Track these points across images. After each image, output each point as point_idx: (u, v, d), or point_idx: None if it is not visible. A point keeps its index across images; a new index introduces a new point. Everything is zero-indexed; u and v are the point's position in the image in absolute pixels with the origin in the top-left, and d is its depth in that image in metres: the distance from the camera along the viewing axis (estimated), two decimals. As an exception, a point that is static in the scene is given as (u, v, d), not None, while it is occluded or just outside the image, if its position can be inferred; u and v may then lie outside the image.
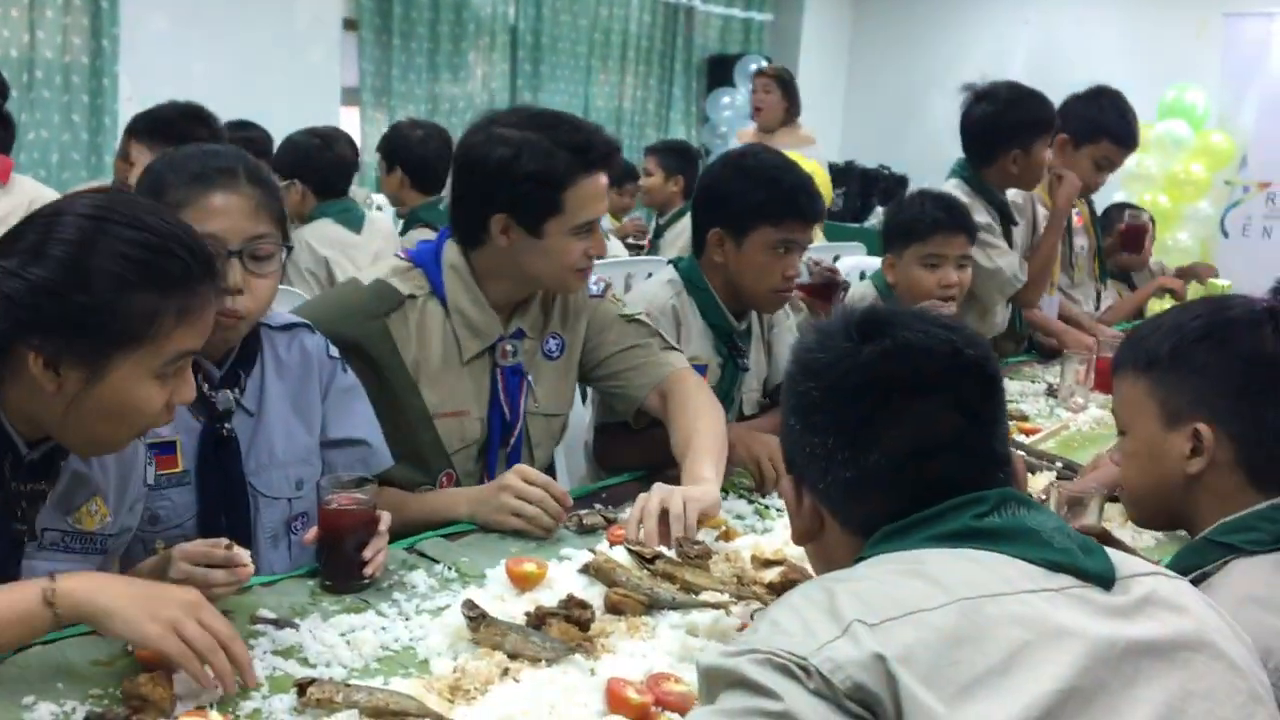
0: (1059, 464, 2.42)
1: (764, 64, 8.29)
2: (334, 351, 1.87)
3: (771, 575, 1.64)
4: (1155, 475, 1.46)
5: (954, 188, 3.51)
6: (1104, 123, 3.62)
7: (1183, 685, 0.98)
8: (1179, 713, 0.97)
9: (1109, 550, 1.09)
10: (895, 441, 1.10)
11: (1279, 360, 1.37)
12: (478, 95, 7.64)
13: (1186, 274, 4.77)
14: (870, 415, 1.11)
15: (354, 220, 3.77)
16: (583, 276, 2.09)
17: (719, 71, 8.77)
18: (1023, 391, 3.18)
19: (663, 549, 1.66)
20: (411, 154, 4.03)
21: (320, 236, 3.67)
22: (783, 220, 2.36)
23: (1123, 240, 4.59)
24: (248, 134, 3.89)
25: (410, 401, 2.01)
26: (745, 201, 2.39)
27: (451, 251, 2.05)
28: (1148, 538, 2.00)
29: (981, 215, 3.37)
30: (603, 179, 2.00)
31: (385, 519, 1.67)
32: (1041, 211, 3.73)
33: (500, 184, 1.94)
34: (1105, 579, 1.03)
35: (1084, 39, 8.13)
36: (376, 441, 1.88)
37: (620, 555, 1.67)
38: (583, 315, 2.22)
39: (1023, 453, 2.47)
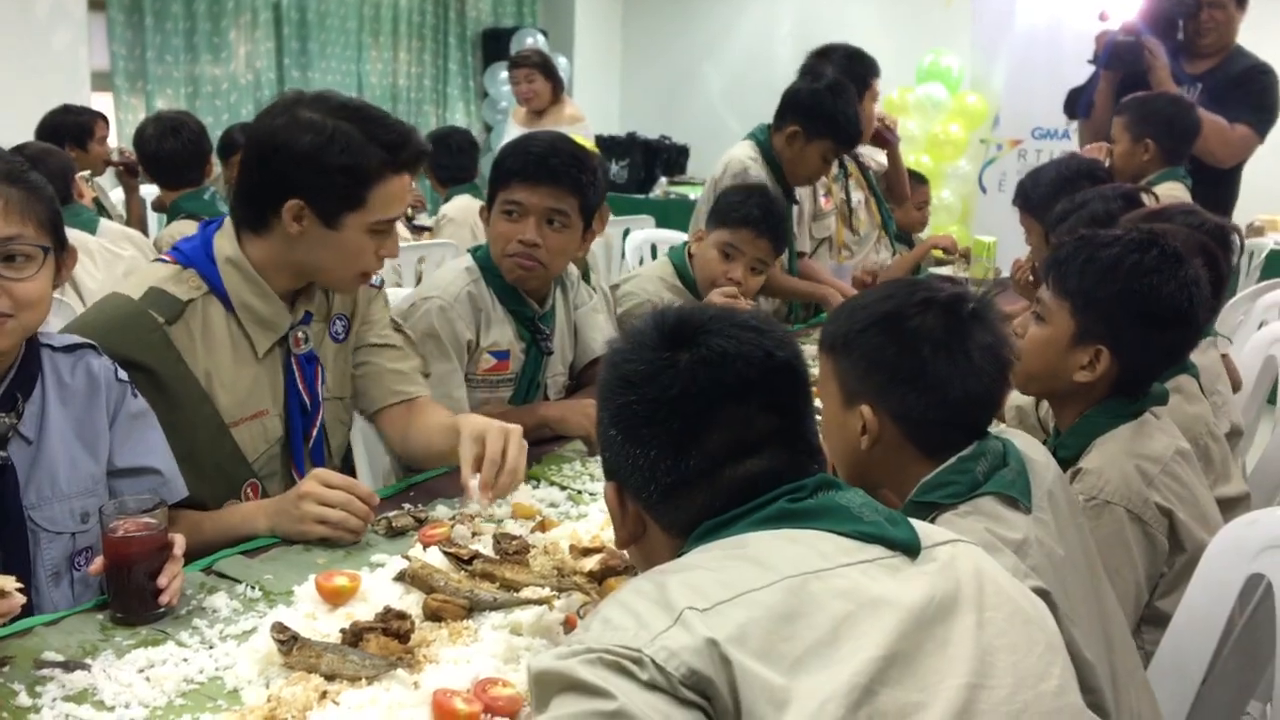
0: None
1: (539, 38, 8.27)
2: (123, 375, 1.74)
3: (591, 564, 1.62)
4: (841, 448, 1.55)
5: (746, 149, 3.60)
6: (836, 123, 3.55)
7: (990, 641, 1.04)
8: (989, 665, 1.02)
9: (920, 524, 1.14)
10: (714, 446, 1.12)
11: (922, 348, 1.46)
12: (242, 76, 7.30)
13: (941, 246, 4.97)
14: (689, 424, 1.12)
15: (86, 222, 3.56)
16: (366, 279, 2.03)
17: (494, 45, 8.66)
18: (813, 355, 3.26)
19: (478, 548, 1.63)
20: (147, 152, 3.84)
21: None
22: (506, 182, 2.37)
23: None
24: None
25: (203, 413, 1.88)
26: (492, 169, 2.44)
27: (225, 245, 1.93)
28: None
29: (766, 182, 3.46)
30: (407, 179, 1.93)
31: (179, 542, 1.56)
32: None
33: (304, 170, 1.84)
34: (912, 548, 1.09)
35: (844, 9, 8.44)
36: (169, 470, 1.75)
37: (435, 558, 1.62)
38: (358, 298, 2.15)
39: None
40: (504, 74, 8.37)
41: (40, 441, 1.63)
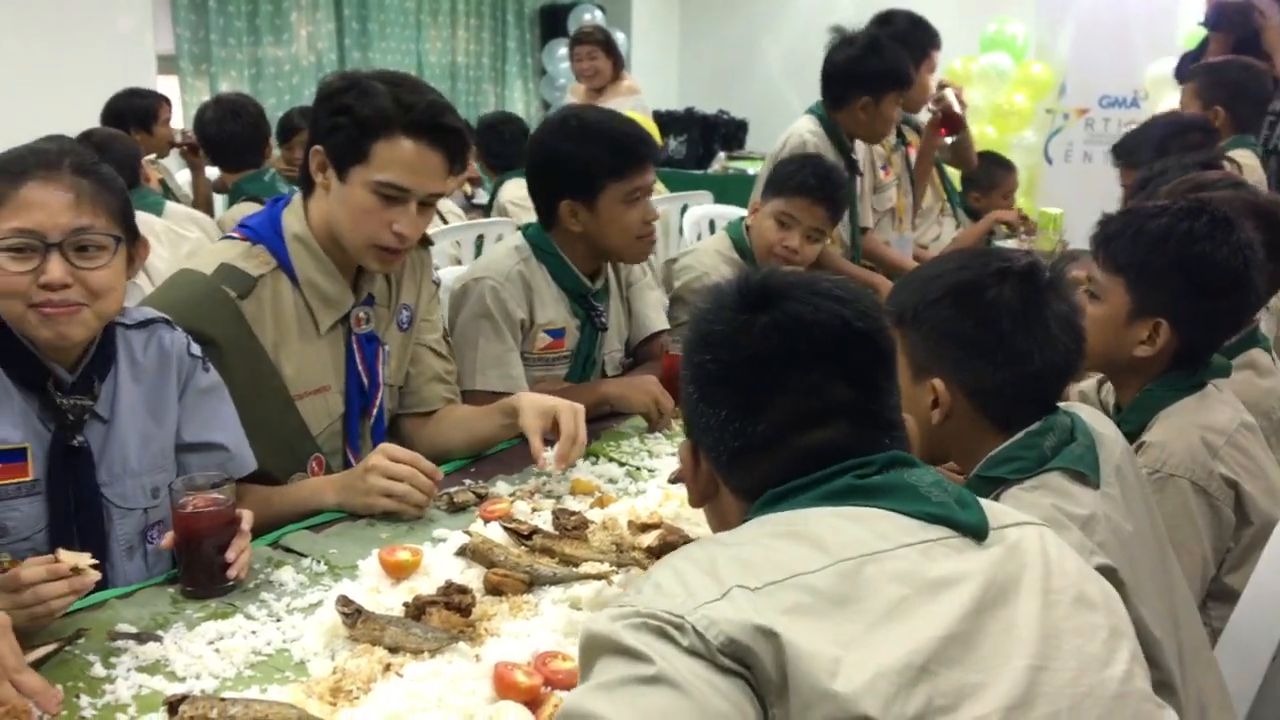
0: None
1: (597, 14, 8.25)
2: (195, 350, 1.78)
3: (649, 539, 1.63)
4: (914, 424, 1.52)
5: (807, 124, 3.58)
6: (893, 72, 3.55)
7: (1055, 624, 1.03)
8: (1054, 648, 1.01)
9: (989, 504, 1.13)
10: (782, 412, 1.11)
11: (1001, 320, 1.43)
12: (304, 58, 7.36)
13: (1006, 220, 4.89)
14: (760, 388, 1.12)
15: (152, 204, 3.67)
16: (382, 255, 1.95)
17: (552, 22, 8.65)
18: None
19: (537, 523, 1.64)
20: (207, 135, 3.92)
21: None
22: (626, 172, 2.36)
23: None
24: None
25: (272, 386, 1.93)
26: (586, 164, 2.38)
27: (293, 221, 1.97)
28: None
29: (829, 156, 3.44)
30: (429, 153, 1.89)
31: (246, 517, 1.60)
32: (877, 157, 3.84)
33: (323, 112, 1.92)
34: (980, 530, 1.07)
35: (907, -23, 8.30)
36: (236, 445, 1.79)
37: (496, 533, 1.64)
38: (423, 288, 2.21)
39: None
40: (562, 50, 8.39)
41: (113, 420, 1.67)
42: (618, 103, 5.94)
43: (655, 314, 2.70)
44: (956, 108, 4.03)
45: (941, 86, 4.14)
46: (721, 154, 8.11)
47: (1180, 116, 3.47)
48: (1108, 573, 1.28)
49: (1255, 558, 1.72)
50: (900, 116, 3.79)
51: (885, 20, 4.01)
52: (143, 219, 3.54)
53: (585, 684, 0.95)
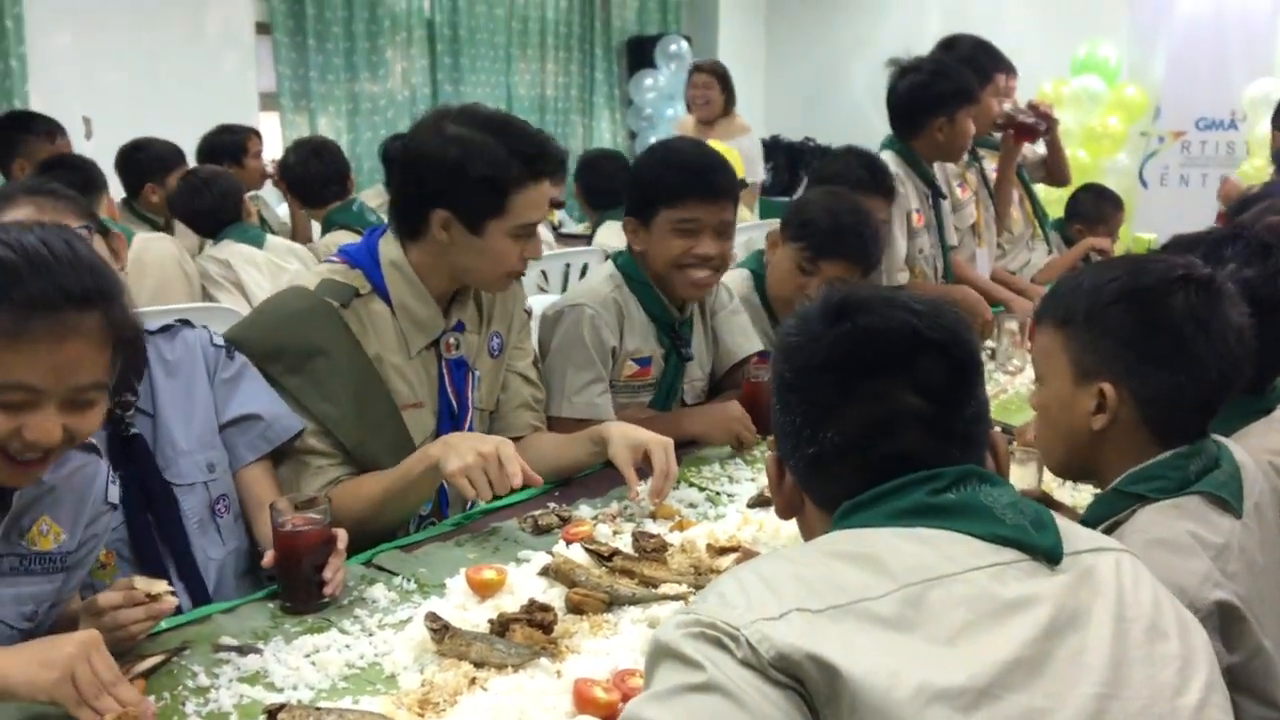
0: (996, 428, 2.47)
1: (683, 45, 8.35)
2: (218, 340, 1.93)
3: (727, 562, 1.67)
4: (1064, 427, 1.51)
5: (889, 159, 3.59)
6: (959, 88, 3.54)
7: (1126, 652, 1.02)
8: (1124, 676, 1.00)
9: (1060, 521, 1.12)
10: (852, 420, 1.13)
11: (1184, 327, 1.42)
12: (399, 92, 7.57)
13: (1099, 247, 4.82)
14: (829, 395, 1.14)
15: (254, 238, 3.95)
16: (513, 279, 2.14)
17: (639, 53, 8.77)
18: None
19: (618, 545, 1.69)
20: (291, 176, 4.14)
21: (226, 252, 3.90)
22: (680, 199, 2.39)
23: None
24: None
25: (379, 392, 2.02)
26: (647, 186, 2.45)
27: (390, 248, 2.07)
28: (1086, 493, 2.06)
29: (913, 189, 3.47)
30: (546, 186, 2.04)
31: (341, 536, 1.67)
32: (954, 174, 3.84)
33: (448, 182, 1.97)
34: (1054, 554, 1.07)
35: (996, 1, 8.25)
36: (272, 413, 1.93)
37: (578, 554, 1.69)
38: (515, 316, 2.27)
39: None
40: (648, 81, 8.50)
41: (156, 413, 1.82)
42: (731, 138, 6.08)
43: (742, 339, 2.71)
44: (1021, 116, 3.98)
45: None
46: (807, 180, 8.12)
47: None
48: (1228, 608, 1.29)
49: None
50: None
51: (949, 45, 4.02)
52: (244, 251, 3.78)
53: (645, 692, 0.98)
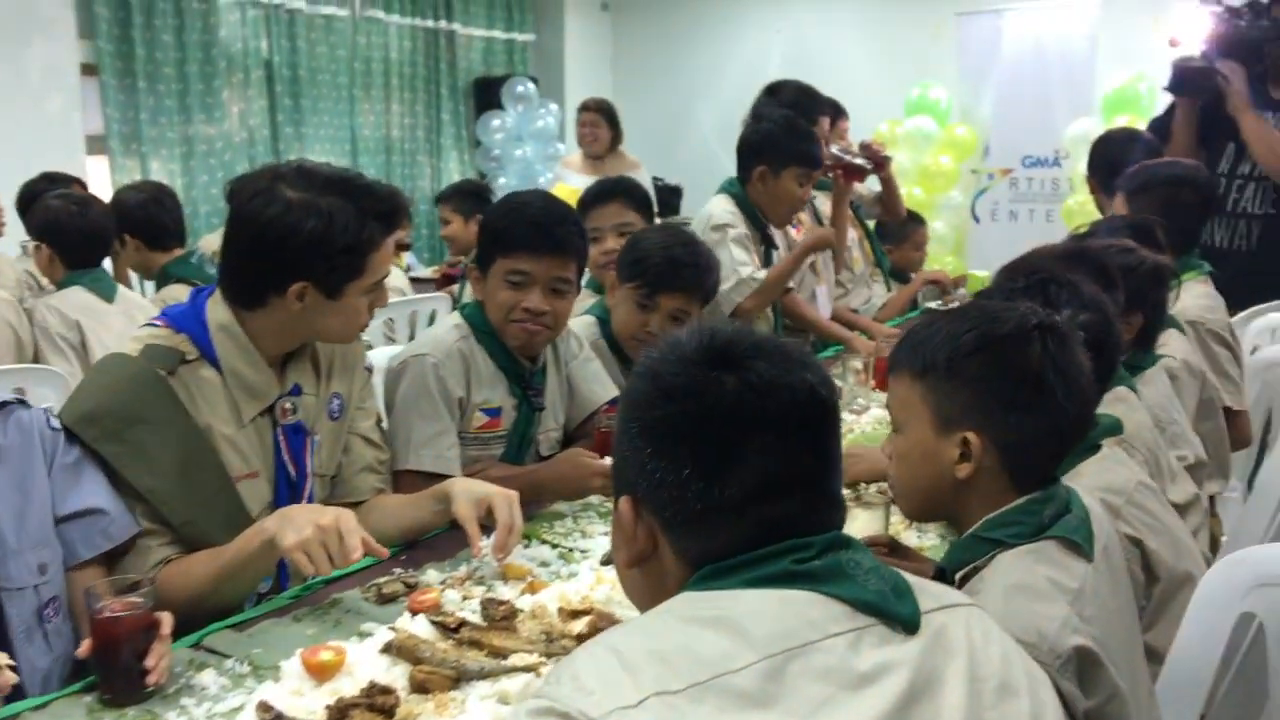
0: (851, 454, 2.49)
1: (530, 86, 8.35)
2: (55, 424, 1.78)
3: (580, 626, 1.62)
4: (926, 475, 1.53)
5: (722, 200, 3.64)
6: (795, 148, 3.60)
7: (979, 715, 1.03)
8: None
9: (911, 580, 1.12)
10: (749, 478, 1.08)
11: (1043, 375, 1.45)
12: (236, 134, 7.34)
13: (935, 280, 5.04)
14: (729, 448, 1.09)
15: (105, 289, 3.68)
16: (363, 329, 2.10)
17: (486, 94, 8.73)
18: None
19: (465, 615, 1.63)
20: (134, 218, 3.91)
21: (70, 304, 3.58)
22: (513, 250, 2.37)
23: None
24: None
25: (211, 463, 1.90)
26: (489, 234, 2.44)
27: (219, 312, 1.96)
28: (931, 535, 2.10)
29: (739, 228, 3.52)
30: (395, 235, 2.01)
31: (166, 620, 1.56)
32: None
33: (307, 254, 1.88)
34: (912, 624, 1.06)
35: (832, 45, 8.53)
36: (115, 509, 1.79)
37: (422, 627, 1.62)
38: (356, 374, 2.19)
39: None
40: (496, 122, 8.46)
41: None
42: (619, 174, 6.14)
43: (598, 387, 2.67)
44: (849, 157, 4.08)
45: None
46: (657, 220, 8.20)
47: (1186, 167, 3.47)
48: (1085, 652, 1.32)
49: (1168, 613, 1.75)
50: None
51: (773, 91, 4.11)
52: (90, 304, 3.48)
53: None
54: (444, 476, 2.26)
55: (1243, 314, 3.85)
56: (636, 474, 1.14)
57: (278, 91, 7.57)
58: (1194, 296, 3.14)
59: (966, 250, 7.84)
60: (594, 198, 3.29)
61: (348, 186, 1.92)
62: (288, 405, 2.01)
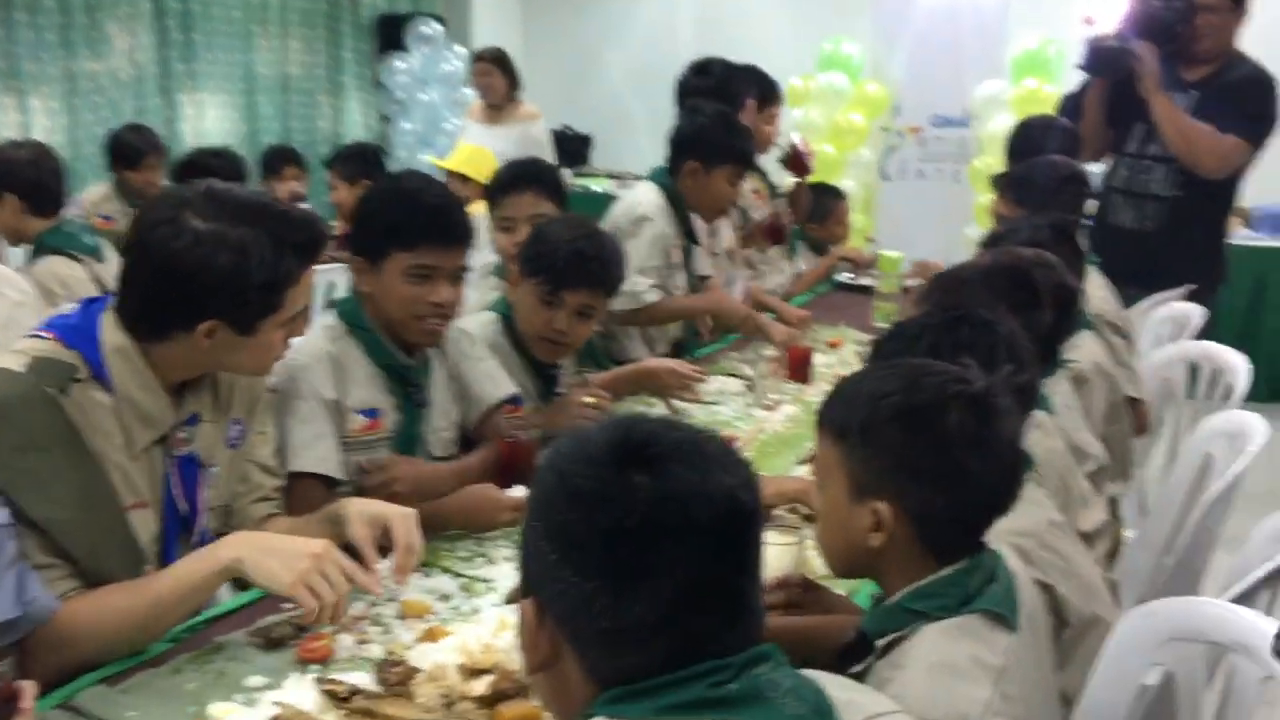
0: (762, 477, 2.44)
1: (436, 27, 8.08)
2: None
3: (481, 686, 1.54)
4: (843, 539, 1.49)
5: (648, 190, 3.53)
6: (731, 147, 3.49)
7: None
8: None
9: (840, 701, 1.07)
10: (662, 596, 1.00)
11: (955, 447, 1.40)
12: (122, 71, 6.98)
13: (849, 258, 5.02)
14: (643, 563, 1.01)
15: None
16: (278, 360, 1.97)
17: (389, 32, 8.42)
18: (722, 390, 3.20)
19: (356, 682, 1.54)
20: (21, 178, 3.62)
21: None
22: (415, 244, 2.24)
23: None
24: None
25: (104, 490, 1.75)
26: (378, 225, 2.29)
27: (115, 335, 1.78)
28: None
29: (661, 224, 3.42)
30: (313, 267, 1.87)
31: (28, 692, 1.43)
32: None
33: (221, 292, 1.73)
34: None
35: (746, -5, 8.39)
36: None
37: (309, 696, 1.52)
38: (258, 398, 2.05)
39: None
40: (399, 64, 8.18)
41: None
42: (511, 127, 5.99)
43: (491, 385, 2.57)
44: (805, 153, 4.04)
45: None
46: (567, 171, 8.05)
47: (1069, 166, 3.49)
48: None
49: (1076, 657, 1.74)
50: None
51: (702, 69, 4.00)
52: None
53: None
54: (333, 481, 2.18)
55: (1147, 300, 3.90)
56: (540, 577, 1.06)
57: (168, 26, 7.22)
58: (1092, 288, 3.17)
59: (875, 208, 7.85)
60: (507, 185, 3.15)
61: (262, 215, 1.76)
62: (182, 435, 1.86)
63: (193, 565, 1.69)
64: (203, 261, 1.70)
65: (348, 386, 2.29)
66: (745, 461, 1.10)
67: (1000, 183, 3.50)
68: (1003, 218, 3.44)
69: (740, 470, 1.07)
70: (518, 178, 3.17)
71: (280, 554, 1.66)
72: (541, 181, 3.15)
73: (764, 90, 4.13)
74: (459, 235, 2.31)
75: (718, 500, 1.03)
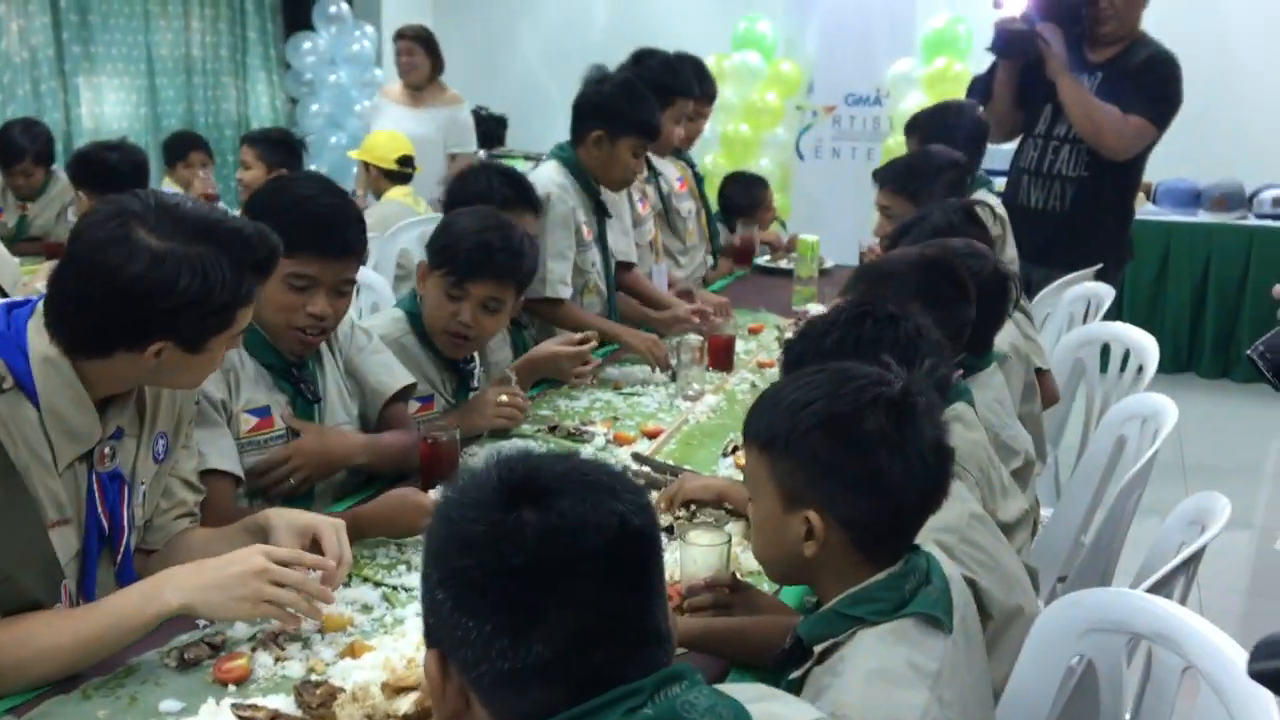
0: (685, 473, 2.41)
1: (343, 6, 7.89)
2: None
3: (406, 705, 1.51)
4: (778, 548, 1.49)
5: (552, 168, 3.47)
6: (637, 117, 3.44)
7: None
8: None
9: (759, 714, 1.05)
10: (558, 631, 0.98)
11: (877, 452, 1.40)
12: (16, 54, 6.68)
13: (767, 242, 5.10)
14: (534, 602, 0.98)
15: None
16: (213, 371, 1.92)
17: (296, 11, 8.18)
18: (647, 380, 3.18)
19: (278, 706, 1.49)
20: None
21: None
22: (297, 251, 2.14)
23: (735, 255, 4.84)
24: None
25: (28, 504, 1.67)
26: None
27: (43, 343, 1.68)
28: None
29: (579, 201, 3.38)
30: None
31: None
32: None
33: (176, 313, 1.65)
34: None
35: (660, -29, 8.33)
36: None
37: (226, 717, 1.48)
38: (184, 412, 1.97)
39: (648, 469, 2.47)
40: (307, 44, 7.98)
41: None
42: (436, 110, 5.86)
43: (388, 376, 2.50)
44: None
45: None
46: (482, 152, 7.94)
47: (948, 154, 3.54)
48: None
49: (1000, 649, 1.76)
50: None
51: (638, 60, 3.97)
52: None
53: None
54: (233, 477, 2.15)
55: (1059, 281, 3.97)
56: (439, 628, 1.03)
57: (61, 7, 6.92)
58: None
59: (791, 187, 7.87)
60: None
61: (217, 233, 1.69)
62: (107, 451, 1.78)
63: (131, 607, 1.62)
64: (163, 284, 1.63)
65: (235, 387, 2.23)
66: (637, 486, 1.08)
67: (882, 175, 3.55)
68: (886, 209, 3.48)
69: (631, 495, 1.04)
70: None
71: (224, 586, 1.62)
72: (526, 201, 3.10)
73: (703, 86, 4.11)
74: (344, 248, 2.25)
75: (606, 528, 1.00)
